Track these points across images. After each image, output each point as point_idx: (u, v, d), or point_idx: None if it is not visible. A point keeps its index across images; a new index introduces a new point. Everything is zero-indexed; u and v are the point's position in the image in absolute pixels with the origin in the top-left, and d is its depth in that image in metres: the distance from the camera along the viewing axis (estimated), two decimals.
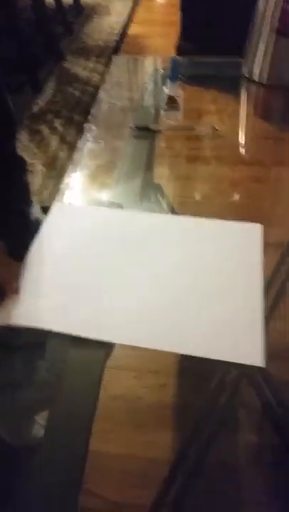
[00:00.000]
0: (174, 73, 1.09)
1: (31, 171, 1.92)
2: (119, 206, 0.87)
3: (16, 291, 0.67)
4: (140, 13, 3.61)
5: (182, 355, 0.58)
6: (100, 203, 0.90)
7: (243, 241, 0.72)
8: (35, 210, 0.87)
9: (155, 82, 1.40)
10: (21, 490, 0.51)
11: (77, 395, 0.58)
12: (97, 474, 0.54)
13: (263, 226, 0.73)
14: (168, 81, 1.10)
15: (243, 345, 0.57)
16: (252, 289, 0.64)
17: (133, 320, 0.62)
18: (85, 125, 1.15)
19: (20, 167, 0.86)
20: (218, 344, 0.57)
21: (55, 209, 0.83)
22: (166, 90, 1.12)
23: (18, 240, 0.76)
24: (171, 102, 1.12)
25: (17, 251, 0.73)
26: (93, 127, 1.16)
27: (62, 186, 0.95)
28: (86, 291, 0.67)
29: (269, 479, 0.54)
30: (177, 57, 1.14)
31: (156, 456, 0.57)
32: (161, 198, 0.96)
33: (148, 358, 0.68)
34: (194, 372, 0.65)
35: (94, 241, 0.76)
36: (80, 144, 1.09)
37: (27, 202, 0.83)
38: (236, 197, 0.98)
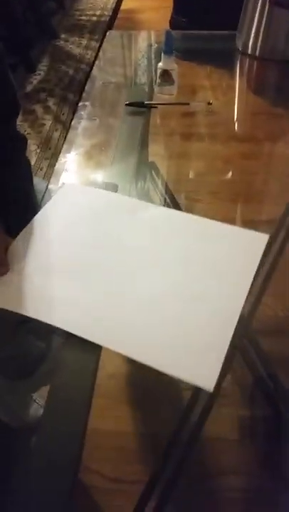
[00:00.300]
0: (168, 47, 1.07)
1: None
2: (115, 186, 0.86)
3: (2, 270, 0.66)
4: None
5: None
6: (95, 184, 0.89)
7: (244, 248, 0.70)
8: (41, 185, 0.87)
9: (149, 57, 1.37)
10: (20, 469, 0.52)
11: (75, 372, 0.59)
12: (94, 451, 0.55)
13: (268, 236, 0.71)
14: (162, 55, 1.08)
15: (200, 365, 0.55)
16: (233, 301, 0.61)
17: (97, 313, 0.61)
18: (80, 103, 1.14)
19: (22, 146, 0.86)
20: (175, 356, 0.56)
21: (61, 188, 0.82)
22: (160, 64, 1.10)
23: (18, 218, 0.76)
24: (166, 76, 1.11)
25: (16, 229, 0.73)
26: (87, 104, 1.14)
27: (57, 167, 0.94)
28: (71, 277, 0.66)
29: (261, 450, 0.55)
30: (172, 31, 1.11)
31: (153, 431, 0.58)
32: (156, 177, 0.95)
33: None
34: None
35: (92, 226, 0.75)
36: (74, 122, 1.08)
37: (28, 180, 0.83)
38: (229, 174, 0.97)
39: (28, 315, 0.61)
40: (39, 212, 0.77)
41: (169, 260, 0.69)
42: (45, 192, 0.83)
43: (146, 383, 0.61)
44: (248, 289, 0.63)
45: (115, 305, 0.63)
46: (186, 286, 0.65)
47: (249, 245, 0.70)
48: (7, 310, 0.62)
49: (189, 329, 0.59)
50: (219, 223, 0.74)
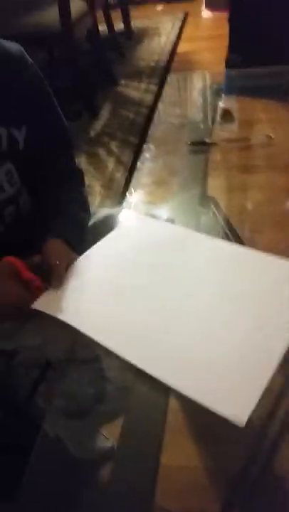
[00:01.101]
0: (228, 87, 1.10)
1: (90, 193, 2.00)
2: (172, 221, 0.89)
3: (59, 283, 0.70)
4: (188, 31, 3.67)
5: None
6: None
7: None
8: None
9: (208, 97, 1.42)
10: (89, 504, 0.53)
11: (147, 407, 0.60)
12: (161, 486, 0.55)
13: None
14: (222, 95, 1.12)
15: (236, 400, 0.54)
16: (277, 339, 0.60)
17: (139, 338, 0.63)
18: (144, 145, 1.19)
19: (78, 177, 0.92)
20: (213, 389, 0.56)
21: (126, 218, 0.87)
22: (221, 103, 1.13)
23: (76, 239, 0.80)
24: (226, 114, 1.14)
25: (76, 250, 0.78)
26: (151, 146, 1.19)
27: (124, 204, 0.99)
28: (119, 302, 0.69)
29: None
30: (231, 70, 1.15)
31: (221, 467, 0.57)
32: (216, 211, 0.96)
33: None
34: None
35: (149, 257, 0.77)
36: (139, 164, 1.13)
37: (84, 209, 0.88)
38: None
39: (76, 327, 0.64)
40: (105, 238, 0.81)
41: (219, 293, 0.69)
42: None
43: (211, 418, 0.60)
44: None
45: (165, 335, 0.63)
46: (233, 321, 0.64)
47: None
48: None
49: (230, 361, 0.59)
50: (277, 259, 0.73)
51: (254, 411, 0.52)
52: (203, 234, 0.82)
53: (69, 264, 0.74)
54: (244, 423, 0.51)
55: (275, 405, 0.59)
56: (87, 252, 0.78)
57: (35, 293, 0.68)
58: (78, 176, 0.93)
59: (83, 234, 0.84)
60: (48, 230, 0.79)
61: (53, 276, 0.70)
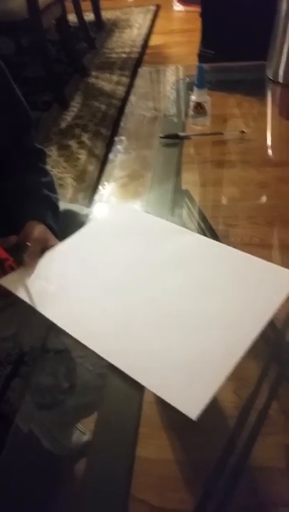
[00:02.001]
0: (200, 80, 1.10)
1: (62, 185, 1.97)
2: None
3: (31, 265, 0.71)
4: (160, 24, 3.66)
5: None
6: None
7: (270, 285, 0.68)
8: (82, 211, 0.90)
9: (180, 90, 1.42)
10: (65, 499, 0.53)
11: (122, 400, 0.59)
12: (139, 479, 0.55)
13: None
14: (194, 88, 1.12)
15: (191, 393, 0.56)
16: (243, 337, 0.61)
17: (112, 332, 0.63)
18: (116, 138, 1.18)
19: (40, 156, 0.91)
20: (170, 381, 0.57)
21: (117, 208, 0.87)
22: (193, 97, 1.13)
23: (53, 224, 0.80)
24: (199, 108, 1.14)
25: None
26: (123, 139, 1.18)
27: (96, 197, 0.98)
28: (89, 293, 0.69)
29: None
30: (203, 64, 1.15)
31: (197, 459, 0.58)
32: (190, 204, 0.97)
33: None
34: (231, 375, 0.65)
35: (127, 247, 0.78)
36: (111, 156, 1.12)
37: (54, 190, 0.87)
38: (264, 199, 0.97)
39: (40, 310, 0.64)
40: (87, 226, 0.82)
41: (192, 287, 0.69)
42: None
43: None
44: (262, 327, 0.62)
45: (127, 325, 0.64)
46: (201, 314, 0.65)
47: (276, 283, 0.68)
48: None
49: (192, 356, 0.59)
50: (251, 256, 0.74)
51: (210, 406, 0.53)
52: (180, 227, 0.83)
53: (48, 247, 0.75)
54: (196, 417, 0.53)
55: (252, 395, 0.60)
56: (67, 240, 0.78)
57: (8, 271, 0.68)
58: (42, 155, 0.92)
59: (57, 213, 0.84)
60: (21, 211, 0.78)
61: (26, 256, 0.71)
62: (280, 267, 0.72)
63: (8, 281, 0.69)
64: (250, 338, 0.60)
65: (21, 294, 0.67)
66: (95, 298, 0.68)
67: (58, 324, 0.64)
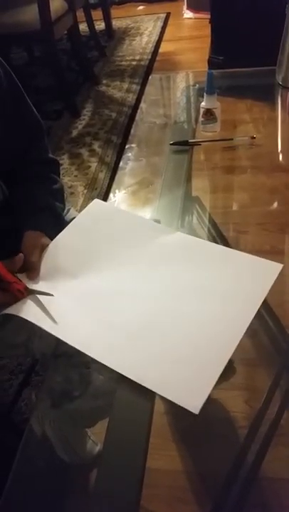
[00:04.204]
0: (210, 86, 1.10)
1: (73, 193, 1.98)
2: (157, 222, 0.88)
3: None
4: (170, 31, 3.68)
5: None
6: None
7: (257, 277, 0.69)
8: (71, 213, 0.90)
9: (190, 97, 1.42)
10: (75, 509, 0.53)
11: (132, 411, 0.59)
12: (149, 490, 0.54)
13: (283, 266, 0.69)
14: (204, 94, 1.12)
15: (190, 388, 0.56)
16: (233, 329, 0.61)
17: (101, 332, 0.63)
18: (126, 146, 1.19)
19: (52, 166, 0.91)
20: (168, 378, 0.57)
21: (93, 205, 0.85)
22: (203, 103, 1.13)
23: (49, 230, 0.79)
24: (209, 114, 1.14)
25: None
26: (134, 146, 1.18)
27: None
28: (78, 296, 0.69)
29: None
30: (213, 71, 1.15)
31: (208, 470, 0.57)
32: (200, 211, 0.96)
33: None
34: (243, 385, 0.64)
35: (111, 246, 0.77)
36: (122, 163, 1.12)
37: (59, 198, 0.87)
38: (275, 205, 0.96)
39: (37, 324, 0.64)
40: (68, 226, 0.80)
41: (179, 284, 0.69)
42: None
43: (198, 421, 0.60)
44: (251, 318, 0.62)
45: (120, 325, 0.64)
46: (192, 311, 0.65)
47: (262, 274, 0.69)
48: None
49: (187, 353, 0.60)
50: (235, 251, 0.74)
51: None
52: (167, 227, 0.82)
53: (41, 251, 0.75)
54: (198, 410, 0.54)
55: (264, 406, 0.59)
56: (54, 241, 0.77)
57: (18, 295, 0.67)
58: (54, 165, 0.93)
59: (59, 223, 0.84)
60: (24, 221, 0.79)
61: (29, 272, 0.71)
62: (263, 259, 0.72)
63: (16, 309, 0.67)
64: (242, 329, 0.61)
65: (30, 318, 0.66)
66: (85, 304, 0.68)
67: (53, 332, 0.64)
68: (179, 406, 0.55)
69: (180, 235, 0.78)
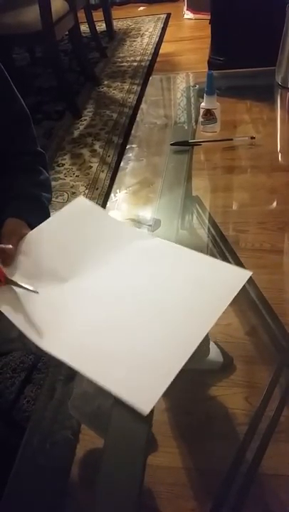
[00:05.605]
0: (210, 87, 1.11)
1: (74, 193, 1.99)
2: (157, 222, 0.89)
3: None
4: (170, 32, 3.68)
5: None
6: (140, 221, 0.92)
7: (225, 283, 0.68)
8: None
9: (191, 97, 1.43)
10: (76, 506, 0.53)
11: (132, 409, 0.59)
12: (150, 487, 0.54)
13: (251, 273, 0.68)
14: (204, 95, 1.12)
15: (142, 389, 0.56)
16: (193, 334, 0.61)
17: (67, 335, 0.63)
18: (127, 146, 1.19)
19: (39, 158, 0.91)
20: (123, 377, 0.57)
21: (76, 202, 0.84)
22: (203, 104, 1.14)
23: (30, 217, 0.79)
24: (208, 115, 1.14)
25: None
26: (134, 146, 1.19)
27: (108, 205, 0.99)
28: (49, 293, 0.68)
29: None
30: (213, 71, 1.16)
31: (208, 467, 0.57)
32: (201, 210, 0.97)
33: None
34: (243, 382, 0.65)
35: (87, 245, 0.77)
36: (123, 164, 1.13)
37: (44, 190, 0.87)
38: (274, 204, 0.97)
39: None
40: (49, 219, 0.80)
41: (145, 286, 0.69)
42: None
43: (198, 418, 0.60)
44: (213, 322, 0.61)
45: (80, 323, 0.64)
46: (153, 313, 0.65)
47: (230, 280, 0.68)
48: None
49: (143, 355, 0.60)
50: (208, 257, 0.74)
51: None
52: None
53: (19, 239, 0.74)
54: (147, 412, 0.53)
55: (263, 402, 0.59)
56: (33, 231, 0.77)
57: None
58: (40, 157, 0.92)
59: (42, 211, 0.83)
60: (5, 207, 0.79)
61: (4, 257, 0.70)
62: (234, 266, 0.72)
63: None
64: (200, 336, 0.60)
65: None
66: (50, 299, 0.68)
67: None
68: (179, 405, 0.55)
69: (157, 240, 0.78)
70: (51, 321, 0.65)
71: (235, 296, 0.63)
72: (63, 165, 2.21)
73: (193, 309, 0.64)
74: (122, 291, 0.69)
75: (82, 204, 0.85)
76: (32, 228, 0.77)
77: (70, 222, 0.81)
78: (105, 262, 0.74)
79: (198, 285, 0.68)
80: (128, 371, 0.58)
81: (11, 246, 0.71)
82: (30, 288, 0.66)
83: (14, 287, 0.67)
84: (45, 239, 0.76)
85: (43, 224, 0.78)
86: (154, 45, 3.46)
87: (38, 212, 0.82)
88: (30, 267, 0.72)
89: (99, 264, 0.73)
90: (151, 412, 0.57)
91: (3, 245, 0.70)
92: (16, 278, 0.68)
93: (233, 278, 0.67)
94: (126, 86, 2.94)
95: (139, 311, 0.66)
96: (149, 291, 0.69)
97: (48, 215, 0.82)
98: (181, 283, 0.69)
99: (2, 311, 0.65)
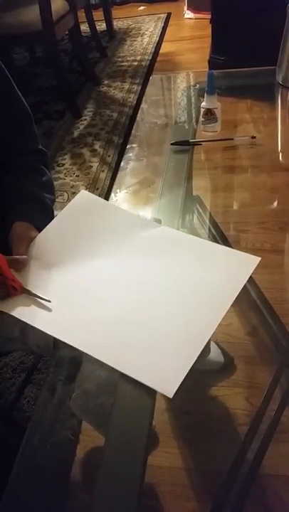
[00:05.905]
0: (210, 87, 1.11)
1: (74, 193, 1.99)
2: (158, 221, 0.88)
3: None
4: (171, 32, 3.68)
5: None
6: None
7: (235, 269, 0.70)
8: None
9: (191, 97, 1.42)
10: (76, 507, 0.53)
11: (133, 408, 0.59)
12: (150, 487, 0.54)
13: (260, 259, 0.70)
14: (205, 94, 1.12)
15: (165, 373, 0.57)
16: (210, 318, 0.62)
17: (86, 325, 0.65)
18: (128, 146, 1.19)
19: (41, 157, 0.91)
20: (144, 363, 0.59)
21: (80, 197, 0.85)
22: (204, 103, 1.13)
23: (37, 220, 0.79)
24: (209, 114, 1.14)
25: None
26: (134, 146, 1.19)
27: None
28: (63, 287, 0.70)
29: None
30: (213, 71, 1.16)
31: (209, 467, 0.57)
32: (201, 210, 0.97)
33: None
34: (243, 382, 0.65)
35: (96, 238, 0.77)
36: (123, 163, 1.13)
37: (47, 191, 0.87)
38: (275, 204, 0.97)
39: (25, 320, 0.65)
40: (55, 218, 0.80)
41: (159, 275, 0.70)
42: None
43: (199, 418, 0.60)
44: (227, 307, 0.63)
45: (100, 315, 0.65)
46: (169, 301, 0.66)
47: (240, 266, 0.69)
48: None
49: (163, 340, 0.61)
50: (215, 244, 0.76)
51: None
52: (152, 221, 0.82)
53: (29, 243, 0.75)
54: (172, 394, 0.54)
55: (264, 402, 0.59)
56: (42, 232, 0.77)
57: (11, 291, 0.68)
58: (42, 155, 0.92)
59: (48, 214, 0.84)
60: (10, 210, 0.79)
61: (16, 263, 0.71)
62: (243, 252, 0.72)
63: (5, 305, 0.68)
64: (217, 319, 0.62)
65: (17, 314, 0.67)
66: (68, 294, 0.69)
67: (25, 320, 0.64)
68: (180, 406, 0.55)
69: (164, 229, 0.79)
70: (68, 313, 0.66)
71: (236, 296, 0.63)
72: (63, 165, 2.21)
73: (207, 295, 0.66)
74: (137, 281, 0.70)
75: (85, 198, 0.85)
76: (40, 231, 0.77)
77: (76, 218, 0.81)
78: (117, 253, 0.75)
79: (210, 271, 0.70)
80: (148, 357, 0.60)
81: (25, 256, 0.72)
82: (44, 298, 0.67)
83: (29, 296, 0.68)
84: (54, 239, 0.77)
85: (50, 224, 0.78)
86: (155, 45, 3.46)
87: (43, 215, 0.82)
88: (42, 271, 0.72)
89: (111, 256, 0.74)
90: (152, 411, 0.57)
91: (17, 256, 0.71)
92: (29, 285, 0.69)
93: (242, 264, 0.69)
94: (126, 86, 2.94)
95: (155, 299, 0.67)
96: (162, 279, 0.70)
97: (52, 217, 0.82)
98: (193, 269, 0.71)
99: (20, 318, 0.65)
